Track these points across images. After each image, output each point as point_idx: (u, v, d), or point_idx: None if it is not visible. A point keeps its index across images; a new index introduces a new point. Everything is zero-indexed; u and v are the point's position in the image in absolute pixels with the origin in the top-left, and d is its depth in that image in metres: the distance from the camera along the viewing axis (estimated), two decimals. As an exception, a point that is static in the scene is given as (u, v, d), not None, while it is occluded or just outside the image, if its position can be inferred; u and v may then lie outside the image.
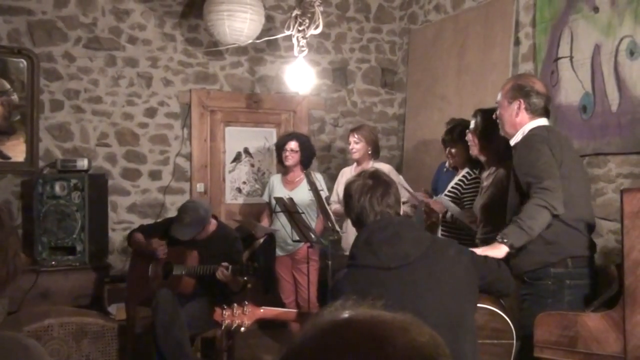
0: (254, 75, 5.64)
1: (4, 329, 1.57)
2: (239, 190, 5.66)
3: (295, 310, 2.99)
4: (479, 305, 2.07)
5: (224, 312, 2.47)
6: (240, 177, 5.67)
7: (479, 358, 1.98)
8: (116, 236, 5.14)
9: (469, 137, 3.26)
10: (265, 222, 4.84)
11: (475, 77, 4.89)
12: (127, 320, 4.06)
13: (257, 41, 5.30)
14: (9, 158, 4.83)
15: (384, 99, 6.13)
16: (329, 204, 4.23)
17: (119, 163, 5.21)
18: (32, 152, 4.87)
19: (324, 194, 4.25)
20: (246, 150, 5.69)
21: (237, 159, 5.66)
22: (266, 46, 5.60)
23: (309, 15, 4.52)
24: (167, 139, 5.36)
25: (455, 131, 3.67)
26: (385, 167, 4.28)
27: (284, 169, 4.86)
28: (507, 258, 2.66)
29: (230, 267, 3.63)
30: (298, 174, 4.74)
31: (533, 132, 2.74)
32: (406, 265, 1.91)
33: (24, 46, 4.87)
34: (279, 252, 4.72)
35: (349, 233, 3.89)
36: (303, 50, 4.66)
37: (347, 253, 2.31)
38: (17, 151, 4.85)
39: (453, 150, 3.73)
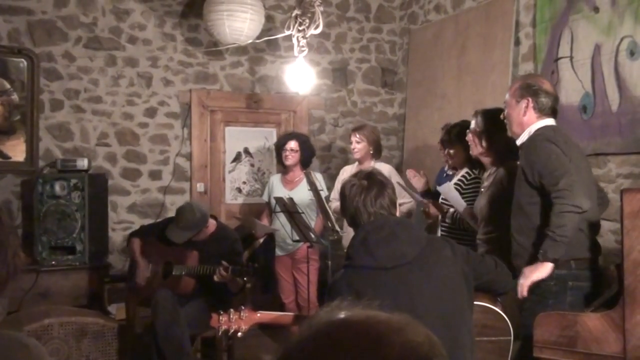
0: (254, 75, 5.64)
1: (4, 329, 1.57)
2: (239, 190, 5.66)
3: (292, 314, 2.99)
4: (475, 303, 2.07)
5: (220, 318, 2.48)
6: (240, 177, 5.67)
7: (476, 357, 1.98)
8: (116, 236, 5.14)
9: (470, 137, 3.26)
10: (265, 222, 4.84)
11: (475, 77, 4.88)
12: (127, 320, 4.07)
13: (257, 41, 5.30)
14: (9, 158, 4.83)
15: (384, 99, 6.12)
16: (329, 203, 4.23)
17: (119, 163, 5.21)
18: (32, 151, 4.87)
19: (323, 193, 4.25)
20: (246, 150, 5.69)
21: (237, 158, 5.66)
22: (266, 46, 5.59)
23: (309, 15, 4.51)
24: (167, 138, 5.36)
25: (454, 131, 3.67)
26: (385, 168, 4.29)
27: (283, 169, 4.85)
28: (509, 259, 2.67)
29: (230, 267, 3.63)
30: (298, 174, 4.74)
31: (539, 132, 2.74)
32: (402, 266, 1.90)
33: (24, 46, 4.87)
34: (278, 252, 4.72)
35: (349, 233, 3.88)
36: (303, 50, 4.66)
37: (347, 253, 2.31)
38: (17, 151, 4.85)
39: (452, 151, 3.73)
